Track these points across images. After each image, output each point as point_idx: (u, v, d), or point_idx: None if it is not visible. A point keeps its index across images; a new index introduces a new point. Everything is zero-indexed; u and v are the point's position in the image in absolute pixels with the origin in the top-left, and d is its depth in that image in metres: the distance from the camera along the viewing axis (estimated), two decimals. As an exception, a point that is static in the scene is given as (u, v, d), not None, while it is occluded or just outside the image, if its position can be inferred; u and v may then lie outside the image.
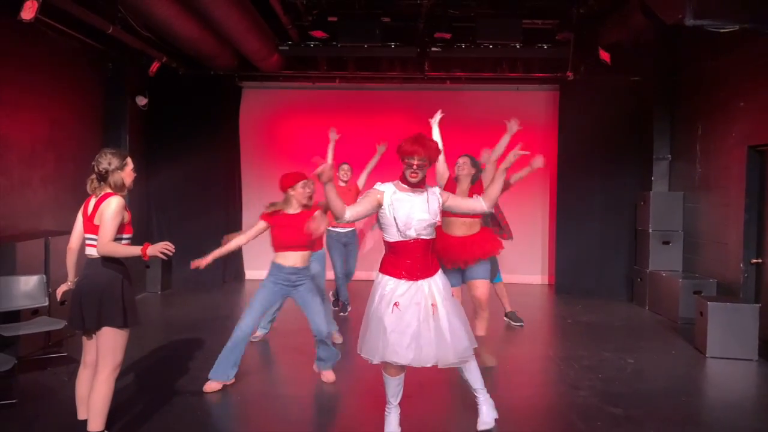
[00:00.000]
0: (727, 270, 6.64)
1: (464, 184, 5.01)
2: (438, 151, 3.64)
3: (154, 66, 7.76)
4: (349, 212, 3.47)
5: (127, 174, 3.50)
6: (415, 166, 3.52)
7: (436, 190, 3.71)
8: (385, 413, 3.80)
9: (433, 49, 8.14)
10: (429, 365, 3.58)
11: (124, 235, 3.45)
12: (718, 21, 5.38)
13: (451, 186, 5.01)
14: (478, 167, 5.07)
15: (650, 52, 7.99)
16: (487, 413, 3.86)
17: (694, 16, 5.27)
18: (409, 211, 3.54)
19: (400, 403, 3.80)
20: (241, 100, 9.38)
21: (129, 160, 3.52)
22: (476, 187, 4.94)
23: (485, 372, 4.17)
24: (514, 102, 9.24)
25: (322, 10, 7.71)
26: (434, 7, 7.23)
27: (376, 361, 3.61)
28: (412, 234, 3.54)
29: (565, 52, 8.07)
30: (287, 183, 4.62)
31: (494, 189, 3.73)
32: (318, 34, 7.87)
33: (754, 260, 6.26)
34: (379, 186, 3.62)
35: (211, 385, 4.54)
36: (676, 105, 7.99)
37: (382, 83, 9.14)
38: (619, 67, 7.76)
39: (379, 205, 3.56)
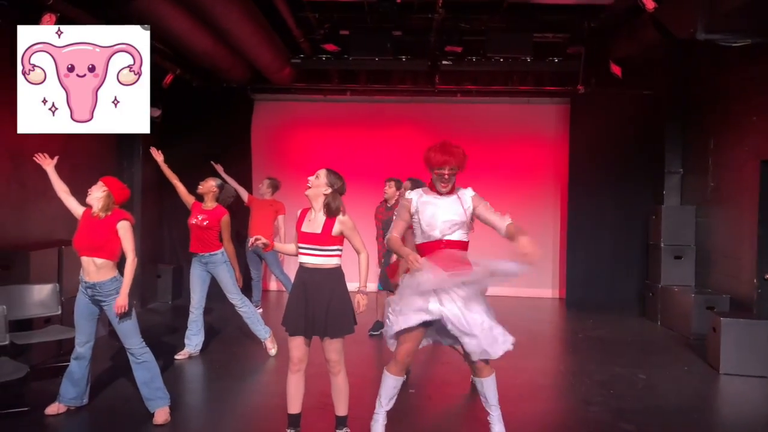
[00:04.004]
0: (740, 285, 6.57)
1: None
2: (466, 157, 3.61)
3: (168, 78, 7.86)
4: (391, 235, 3.64)
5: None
6: (446, 176, 3.55)
7: (468, 192, 3.67)
8: (372, 420, 3.76)
9: (444, 62, 8.20)
10: (449, 327, 3.55)
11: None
12: (730, 35, 5.38)
13: None
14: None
15: (662, 66, 7.99)
16: None
17: (705, 30, 5.27)
18: (434, 211, 3.57)
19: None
20: (253, 112, 9.44)
21: None
22: None
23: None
24: (524, 115, 9.25)
25: (334, 23, 7.79)
26: (445, 21, 7.27)
27: (393, 331, 3.61)
28: (436, 234, 3.57)
29: (576, 65, 8.09)
30: None
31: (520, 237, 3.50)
32: (330, 47, 7.94)
33: (768, 275, 6.20)
34: (407, 194, 3.70)
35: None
36: (688, 118, 7.97)
37: (393, 96, 9.19)
38: (630, 81, 7.76)
39: (411, 211, 3.64)
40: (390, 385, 3.72)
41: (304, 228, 3.66)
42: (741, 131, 6.68)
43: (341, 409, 3.75)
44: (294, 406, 3.74)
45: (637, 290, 8.31)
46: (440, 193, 3.61)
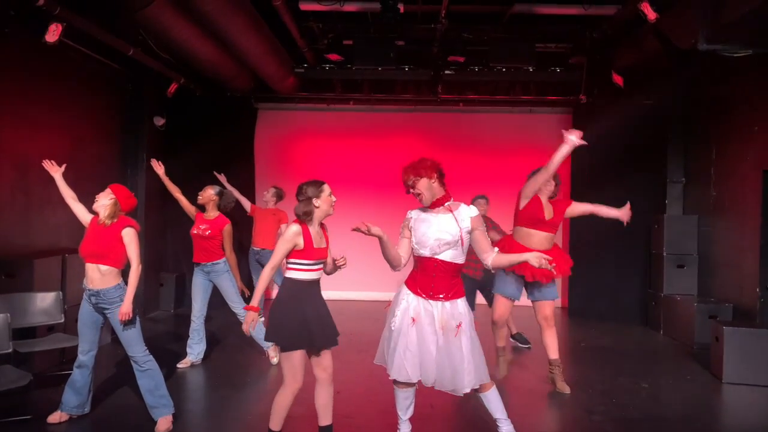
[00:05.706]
0: (743, 294, 6.57)
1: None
2: (430, 168, 3.51)
3: (172, 87, 7.92)
4: (403, 255, 3.63)
5: (323, 200, 3.53)
6: (409, 190, 3.59)
7: (468, 211, 3.56)
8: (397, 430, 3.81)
9: (447, 72, 8.23)
10: (428, 384, 3.58)
11: (302, 261, 3.52)
12: (732, 46, 5.41)
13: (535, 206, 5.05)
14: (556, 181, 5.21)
15: (663, 76, 8.01)
16: None
17: (707, 40, 5.29)
18: (427, 230, 3.54)
19: (412, 422, 3.79)
20: (257, 121, 9.49)
21: (324, 186, 3.59)
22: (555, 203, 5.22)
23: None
24: (527, 125, 9.28)
25: (338, 33, 7.85)
26: (448, 31, 7.32)
27: (390, 374, 3.65)
28: (425, 252, 3.55)
29: (579, 75, 8.12)
30: None
31: (505, 262, 3.60)
32: (333, 56, 7.99)
33: (771, 285, 6.20)
34: (409, 213, 3.70)
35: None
36: (690, 128, 7.99)
37: (396, 105, 9.23)
38: (632, 91, 7.79)
39: (408, 228, 3.63)
40: (401, 397, 3.75)
41: (317, 245, 3.53)
42: (743, 141, 6.70)
43: (328, 418, 3.71)
44: (280, 424, 3.62)
45: (639, 299, 8.29)
46: (424, 207, 3.60)
